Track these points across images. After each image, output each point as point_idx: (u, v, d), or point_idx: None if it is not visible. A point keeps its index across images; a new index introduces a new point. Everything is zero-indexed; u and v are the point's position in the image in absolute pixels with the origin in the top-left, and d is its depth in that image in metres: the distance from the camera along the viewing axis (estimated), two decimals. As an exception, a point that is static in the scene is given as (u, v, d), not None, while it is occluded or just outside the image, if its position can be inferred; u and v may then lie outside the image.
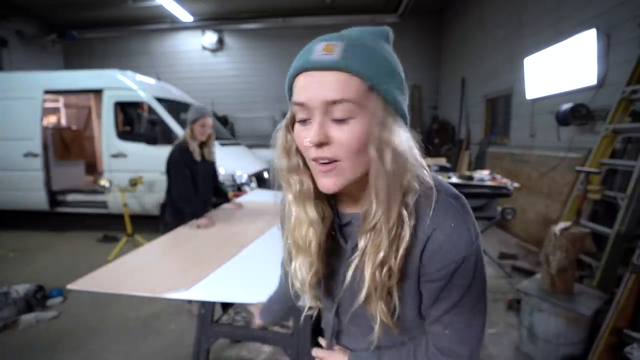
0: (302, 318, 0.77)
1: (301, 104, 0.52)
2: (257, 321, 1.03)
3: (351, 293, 0.61)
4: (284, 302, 0.95)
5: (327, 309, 0.74)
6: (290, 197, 0.61)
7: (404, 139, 0.53)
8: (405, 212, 0.54)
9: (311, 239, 0.60)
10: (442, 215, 0.54)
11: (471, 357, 0.59)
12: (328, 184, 0.54)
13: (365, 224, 0.55)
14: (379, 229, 0.54)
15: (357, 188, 0.57)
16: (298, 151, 0.58)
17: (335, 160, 0.52)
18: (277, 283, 0.99)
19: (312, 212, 0.60)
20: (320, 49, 0.50)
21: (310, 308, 0.71)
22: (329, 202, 0.64)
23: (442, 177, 0.65)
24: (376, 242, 0.54)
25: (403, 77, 0.55)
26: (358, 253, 0.57)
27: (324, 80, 0.50)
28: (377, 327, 0.59)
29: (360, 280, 0.57)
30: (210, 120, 2.33)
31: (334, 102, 0.50)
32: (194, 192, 2.30)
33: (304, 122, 0.53)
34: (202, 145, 2.39)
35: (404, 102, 0.55)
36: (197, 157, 2.33)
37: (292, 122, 0.58)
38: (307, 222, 0.60)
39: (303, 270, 0.63)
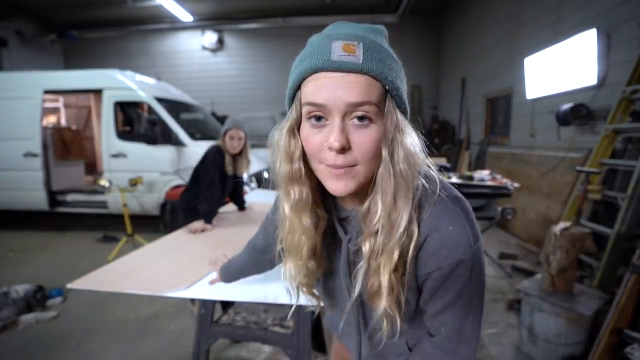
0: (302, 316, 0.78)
1: (319, 105, 0.50)
2: (215, 277, 1.19)
3: (365, 295, 0.61)
4: (241, 268, 1.09)
5: (335, 310, 0.75)
6: (287, 206, 0.60)
7: (413, 139, 0.53)
8: (413, 212, 0.54)
9: (303, 245, 0.61)
10: (441, 218, 0.54)
11: (456, 352, 0.60)
12: (339, 187, 0.53)
13: (370, 227, 0.55)
14: (388, 232, 0.53)
15: (362, 187, 0.56)
16: (301, 157, 0.56)
17: (352, 166, 0.52)
18: (243, 251, 1.10)
19: (306, 221, 0.60)
20: (340, 48, 0.48)
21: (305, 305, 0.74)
22: (325, 199, 0.64)
23: (444, 178, 0.65)
24: (389, 245, 0.54)
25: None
26: (365, 257, 0.57)
27: (346, 82, 0.48)
28: (385, 324, 0.59)
29: (374, 284, 0.57)
30: (240, 133, 2.21)
31: (358, 105, 0.48)
32: (215, 196, 2.21)
33: (318, 121, 0.51)
34: (235, 158, 2.30)
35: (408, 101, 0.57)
36: (229, 169, 2.23)
37: (297, 124, 0.56)
38: (300, 230, 0.61)
39: (293, 273, 0.65)
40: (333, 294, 0.72)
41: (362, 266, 0.58)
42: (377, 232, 0.54)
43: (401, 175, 0.52)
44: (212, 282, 1.23)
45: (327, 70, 0.49)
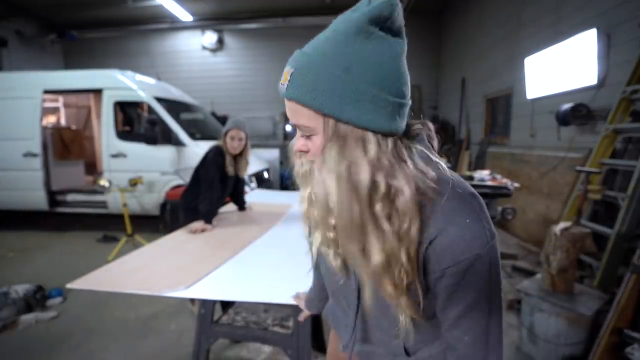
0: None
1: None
2: (305, 312, 1.12)
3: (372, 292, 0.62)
4: (320, 294, 1.02)
5: (343, 294, 0.76)
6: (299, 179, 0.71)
7: (365, 154, 0.53)
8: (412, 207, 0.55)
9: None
10: (457, 211, 0.54)
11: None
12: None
13: None
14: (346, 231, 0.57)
15: None
16: None
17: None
18: (312, 280, 1.06)
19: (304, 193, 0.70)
20: (283, 75, 0.56)
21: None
22: None
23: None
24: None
25: (384, 81, 0.52)
26: None
27: (288, 106, 0.57)
28: (403, 320, 0.61)
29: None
30: (241, 134, 2.21)
31: (297, 125, 0.58)
32: (216, 196, 2.21)
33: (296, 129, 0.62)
34: (236, 159, 2.30)
35: (379, 109, 0.52)
36: (230, 170, 2.24)
37: None
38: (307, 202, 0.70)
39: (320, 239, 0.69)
40: (339, 276, 0.73)
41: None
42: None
43: (332, 179, 0.55)
44: (302, 318, 1.17)
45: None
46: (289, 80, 0.54)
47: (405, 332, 0.61)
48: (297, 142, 0.61)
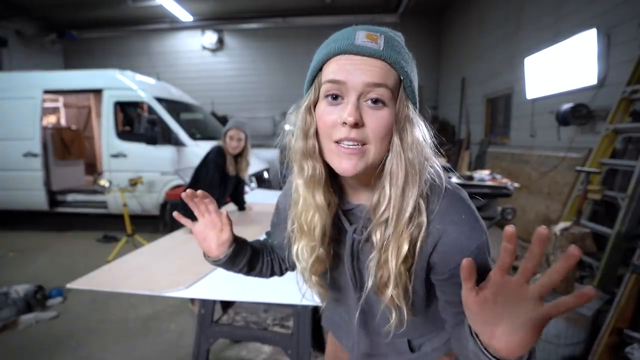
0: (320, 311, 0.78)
1: (339, 82, 0.53)
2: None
3: (373, 287, 0.61)
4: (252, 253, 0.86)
5: (343, 305, 0.75)
6: (300, 181, 0.61)
7: (423, 132, 0.56)
8: (422, 201, 0.55)
9: (316, 224, 0.62)
10: (452, 209, 0.56)
11: None
12: (348, 166, 0.54)
13: (378, 215, 0.56)
14: (396, 220, 0.54)
15: (367, 176, 0.57)
16: (315, 134, 0.58)
17: (363, 144, 0.53)
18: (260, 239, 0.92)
19: (319, 198, 0.61)
20: (363, 36, 0.53)
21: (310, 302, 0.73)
22: (333, 189, 0.64)
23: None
24: (396, 234, 0.55)
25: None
26: (376, 248, 0.57)
27: (366, 64, 0.52)
28: (394, 315, 0.60)
29: (383, 274, 0.57)
30: (241, 134, 2.22)
31: (375, 85, 0.52)
32: (216, 196, 2.23)
33: (335, 99, 0.54)
34: (237, 159, 2.32)
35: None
36: (230, 170, 2.26)
37: (314, 104, 0.58)
38: (314, 207, 0.61)
39: (305, 254, 0.65)
40: (340, 288, 0.73)
41: (374, 257, 0.58)
42: (386, 221, 0.56)
43: (410, 162, 0.54)
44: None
45: (350, 53, 0.53)
46: (385, 42, 0.53)
47: (395, 328, 0.61)
48: (351, 111, 0.51)
